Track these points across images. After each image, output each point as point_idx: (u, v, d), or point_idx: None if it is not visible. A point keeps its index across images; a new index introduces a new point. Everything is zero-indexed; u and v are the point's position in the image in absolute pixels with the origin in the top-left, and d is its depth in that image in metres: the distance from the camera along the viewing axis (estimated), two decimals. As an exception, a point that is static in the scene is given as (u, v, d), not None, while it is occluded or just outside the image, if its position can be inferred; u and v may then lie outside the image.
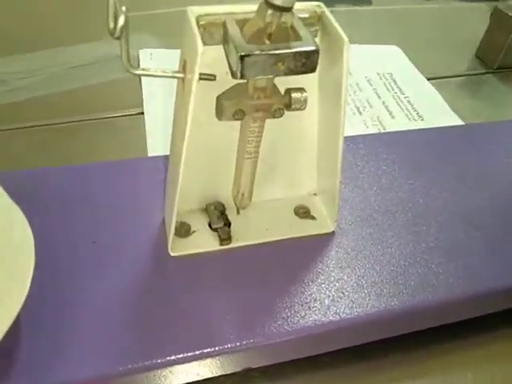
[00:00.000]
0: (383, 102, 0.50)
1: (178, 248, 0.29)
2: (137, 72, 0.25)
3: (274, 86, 0.26)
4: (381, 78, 0.53)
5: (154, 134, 0.43)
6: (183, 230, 0.30)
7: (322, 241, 0.31)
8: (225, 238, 0.30)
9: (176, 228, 0.29)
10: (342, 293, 0.29)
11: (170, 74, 0.25)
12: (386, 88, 0.51)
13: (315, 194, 0.34)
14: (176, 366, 0.25)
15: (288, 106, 0.27)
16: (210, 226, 0.31)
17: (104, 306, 0.27)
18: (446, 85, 0.53)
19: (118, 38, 0.23)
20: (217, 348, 0.26)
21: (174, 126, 0.28)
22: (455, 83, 0.54)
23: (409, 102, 0.50)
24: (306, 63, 0.24)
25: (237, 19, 0.24)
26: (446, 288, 0.29)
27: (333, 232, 0.32)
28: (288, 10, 0.23)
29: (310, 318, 0.27)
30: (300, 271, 0.29)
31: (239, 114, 0.26)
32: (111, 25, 0.22)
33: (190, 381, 0.27)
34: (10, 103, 0.46)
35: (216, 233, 0.30)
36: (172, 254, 0.29)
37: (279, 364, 0.28)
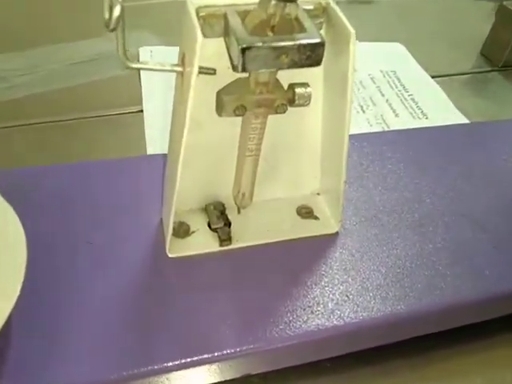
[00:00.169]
0: (387, 100, 0.49)
1: (177, 249, 0.29)
2: (134, 65, 0.24)
3: (277, 80, 0.26)
4: (384, 76, 0.52)
5: (152, 132, 0.42)
6: (182, 231, 0.30)
7: (326, 242, 0.31)
8: (225, 239, 0.29)
9: (174, 228, 0.29)
10: (347, 296, 0.28)
11: (169, 68, 0.25)
12: (390, 86, 0.51)
13: (318, 194, 0.33)
14: (173, 372, 0.25)
15: (291, 102, 0.26)
16: (209, 226, 0.30)
17: (101, 306, 0.26)
18: (451, 83, 0.52)
19: (114, 30, 0.22)
20: (216, 354, 0.25)
21: (172, 123, 0.28)
22: (460, 81, 0.54)
23: (413, 99, 0.49)
24: (311, 56, 0.23)
25: (238, 11, 0.23)
26: (454, 290, 0.29)
27: (337, 233, 0.31)
28: (292, 0, 0.22)
29: (313, 323, 0.26)
30: (303, 273, 0.29)
31: (240, 110, 0.25)
32: (106, 15, 0.21)
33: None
34: (10, 100, 0.45)
35: (216, 233, 0.30)
36: (170, 256, 0.29)
37: (279, 369, 0.28)
